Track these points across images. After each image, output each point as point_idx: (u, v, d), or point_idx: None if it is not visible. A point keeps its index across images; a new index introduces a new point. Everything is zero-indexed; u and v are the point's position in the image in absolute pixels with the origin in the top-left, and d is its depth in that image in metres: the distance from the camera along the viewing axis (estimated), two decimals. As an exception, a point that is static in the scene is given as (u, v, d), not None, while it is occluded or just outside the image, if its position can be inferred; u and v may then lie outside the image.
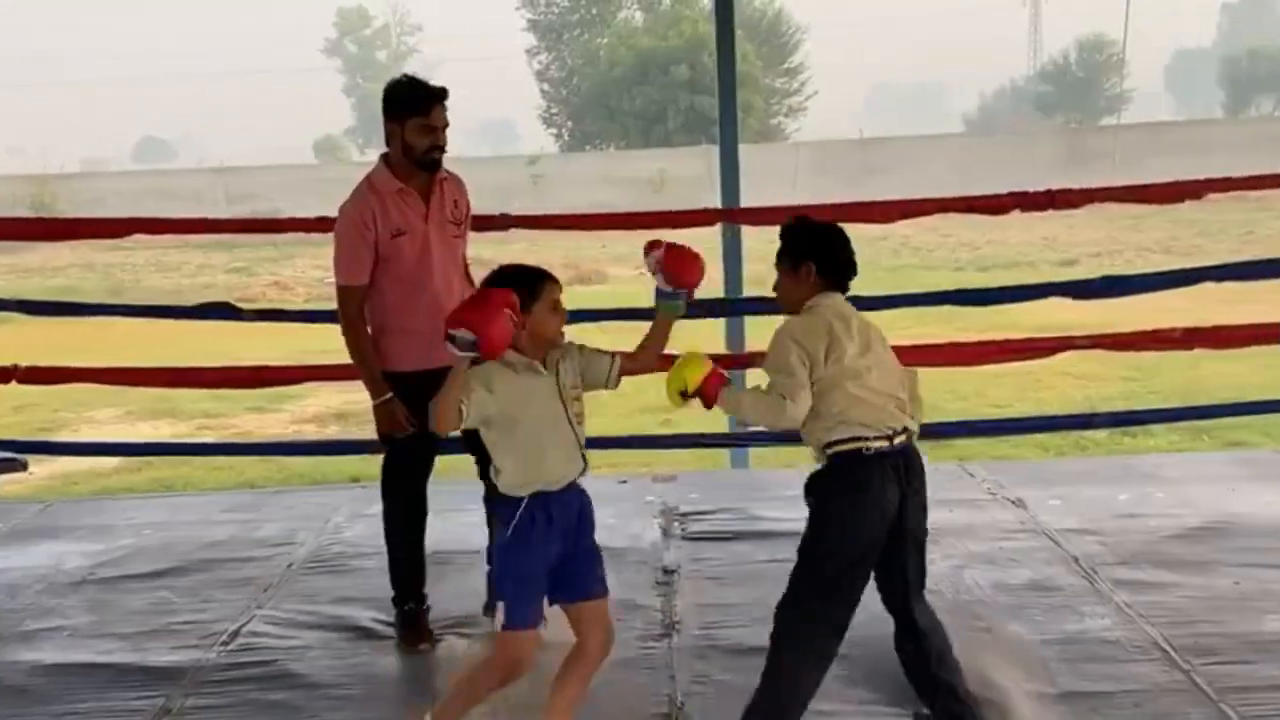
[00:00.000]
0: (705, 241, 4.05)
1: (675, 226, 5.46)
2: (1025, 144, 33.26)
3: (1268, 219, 23.23)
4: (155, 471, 8.10)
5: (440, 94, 3.94)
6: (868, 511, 3.04)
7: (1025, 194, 5.24)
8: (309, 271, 23.38)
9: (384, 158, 4.01)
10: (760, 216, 5.60)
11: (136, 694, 3.79)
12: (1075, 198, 5.23)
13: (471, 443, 3.75)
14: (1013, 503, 5.35)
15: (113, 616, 4.46)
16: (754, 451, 6.42)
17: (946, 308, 5.71)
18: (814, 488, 3.14)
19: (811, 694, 3.13)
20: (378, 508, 5.60)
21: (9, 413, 9.59)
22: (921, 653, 3.18)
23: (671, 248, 3.25)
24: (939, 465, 5.62)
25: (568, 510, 3.15)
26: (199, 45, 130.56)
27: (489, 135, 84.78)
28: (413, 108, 3.93)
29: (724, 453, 6.54)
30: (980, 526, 5.04)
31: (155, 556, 5.08)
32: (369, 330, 4.03)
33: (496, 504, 3.22)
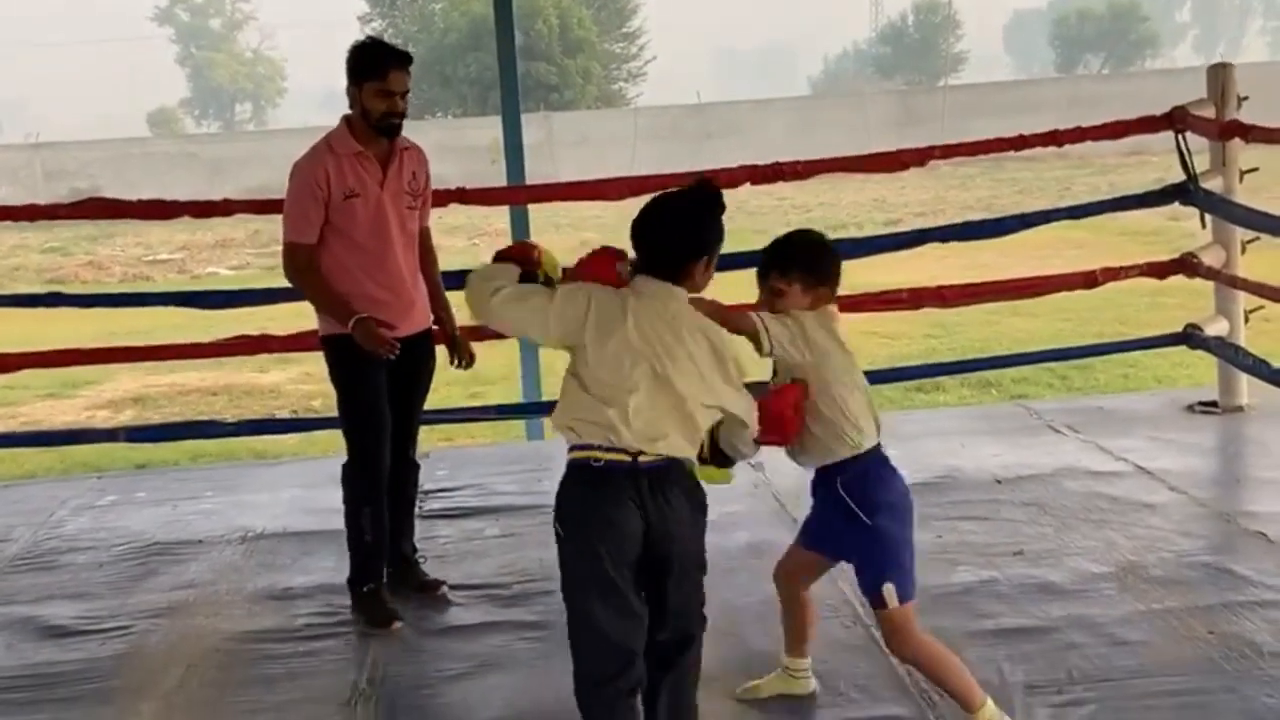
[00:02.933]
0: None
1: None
2: (862, 106, 33.79)
3: (1084, 175, 24.15)
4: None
5: (400, 58, 3.87)
6: None
7: (755, 167, 5.34)
8: (129, 249, 22.62)
9: (345, 119, 3.96)
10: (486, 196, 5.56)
11: None
12: (802, 169, 5.35)
13: None
14: (752, 466, 5.41)
15: None
16: (549, 422, 6.39)
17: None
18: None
19: None
20: (108, 499, 5.50)
21: None
22: None
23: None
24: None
25: None
26: (26, 14, 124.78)
27: (330, 104, 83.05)
28: (370, 72, 3.85)
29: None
30: (714, 490, 5.08)
31: None
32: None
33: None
